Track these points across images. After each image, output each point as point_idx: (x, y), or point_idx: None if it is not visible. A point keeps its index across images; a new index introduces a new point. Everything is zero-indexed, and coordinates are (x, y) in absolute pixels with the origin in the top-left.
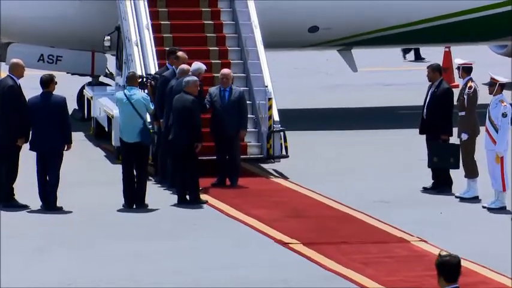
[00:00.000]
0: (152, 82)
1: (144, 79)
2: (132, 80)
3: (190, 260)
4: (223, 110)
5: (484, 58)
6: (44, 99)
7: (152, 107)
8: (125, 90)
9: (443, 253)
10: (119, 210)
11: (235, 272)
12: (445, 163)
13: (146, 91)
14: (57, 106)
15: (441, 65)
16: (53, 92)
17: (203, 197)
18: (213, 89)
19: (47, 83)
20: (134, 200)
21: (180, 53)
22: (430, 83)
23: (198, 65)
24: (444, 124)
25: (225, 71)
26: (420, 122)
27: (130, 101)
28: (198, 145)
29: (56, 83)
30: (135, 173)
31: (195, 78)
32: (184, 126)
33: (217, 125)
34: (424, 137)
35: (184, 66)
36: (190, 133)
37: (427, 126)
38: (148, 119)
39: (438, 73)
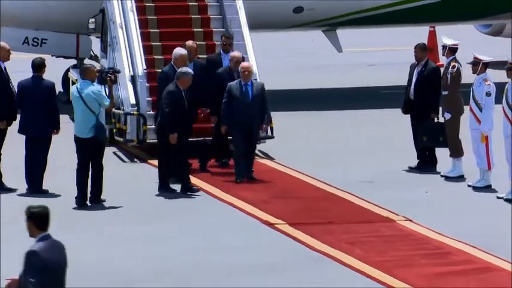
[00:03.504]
0: (112, 77)
1: (104, 74)
2: (84, 73)
3: (177, 243)
4: (247, 106)
5: (469, 37)
6: (34, 83)
7: (107, 103)
8: (78, 84)
9: (33, 205)
10: (105, 194)
11: (221, 253)
12: (434, 142)
13: (107, 86)
14: (47, 91)
15: (427, 44)
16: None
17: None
18: (233, 84)
19: (40, 67)
20: (91, 196)
21: (188, 42)
22: (414, 62)
23: (176, 50)
24: (432, 103)
25: (246, 64)
26: (404, 102)
27: (81, 95)
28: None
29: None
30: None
31: (184, 71)
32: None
33: (241, 122)
34: (407, 116)
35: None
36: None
37: (415, 105)
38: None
39: (425, 52)
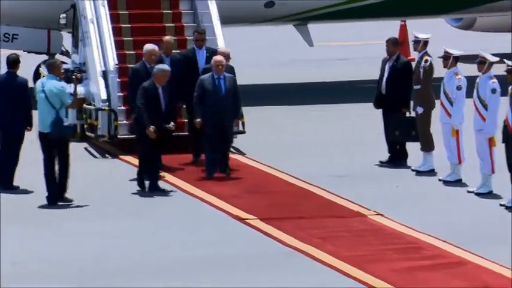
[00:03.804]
0: (78, 75)
1: (70, 73)
2: (50, 68)
3: (148, 238)
4: (220, 100)
5: (440, 31)
6: (8, 79)
7: (69, 101)
8: (43, 78)
9: None
10: (76, 188)
11: (192, 249)
12: (406, 137)
13: (72, 84)
14: (20, 87)
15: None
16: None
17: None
18: (206, 77)
19: (14, 63)
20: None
21: (165, 37)
22: (386, 57)
23: (145, 46)
24: (404, 97)
25: (219, 57)
26: (376, 97)
27: (44, 90)
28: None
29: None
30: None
31: (160, 68)
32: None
33: (214, 116)
34: (379, 111)
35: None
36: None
37: (386, 100)
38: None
39: (397, 47)
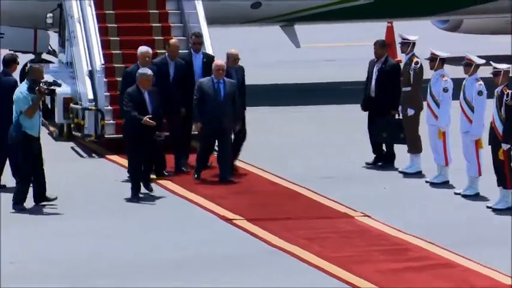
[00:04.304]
0: (42, 89)
1: (36, 83)
2: (29, 73)
3: (135, 238)
4: (220, 104)
5: (427, 33)
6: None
7: (23, 108)
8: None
9: None
10: (63, 188)
11: (179, 249)
12: (394, 139)
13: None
14: (6, 87)
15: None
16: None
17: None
18: (205, 81)
19: (8, 62)
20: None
21: (171, 40)
22: (373, 59)
23: (139, 48)
24: (393, 99)
25: (219, 61)
26: (364, 99)
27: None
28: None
29: (18, 63)
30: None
31: (143, 72)
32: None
33: (212, 120)
34: (366, 113)
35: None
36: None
37: (375, 102)
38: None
39: (385, 49)
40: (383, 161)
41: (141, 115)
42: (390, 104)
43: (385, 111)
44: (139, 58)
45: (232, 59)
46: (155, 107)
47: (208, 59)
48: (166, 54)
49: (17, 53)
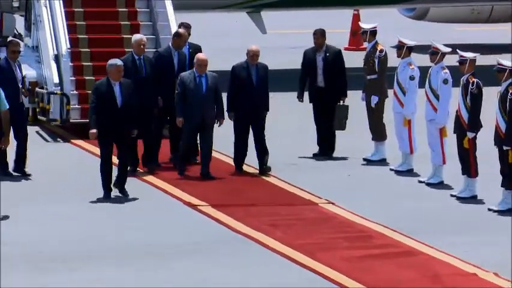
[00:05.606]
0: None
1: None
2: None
3: (100, 223)
4: (202, 99)
5: (393, 21)
6: None
7: (6, 108)
8: None
9: None
10: (36, 175)
11: (143, 235)
12: (343, 125)
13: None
14: None
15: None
16: None
17: None
18: (186, 75)
19: None
20: None
21: (179, 29)
22: (310, 48)
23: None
24: (341, 87)
25: (202, 56)
26: (311, 90)
27: None
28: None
29: None
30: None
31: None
32: None
33: (195, 114)
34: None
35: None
36: None
37: (326, 92)
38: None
39: (325, 38)
40: (330, 150)
41: (109, 109)
42: (340, 92)
43: (336, 100)
44: (133, 46)
45: (251, 54)
46: (125, 100)
47: (194, 49)
48: (170, 44)
49: None
